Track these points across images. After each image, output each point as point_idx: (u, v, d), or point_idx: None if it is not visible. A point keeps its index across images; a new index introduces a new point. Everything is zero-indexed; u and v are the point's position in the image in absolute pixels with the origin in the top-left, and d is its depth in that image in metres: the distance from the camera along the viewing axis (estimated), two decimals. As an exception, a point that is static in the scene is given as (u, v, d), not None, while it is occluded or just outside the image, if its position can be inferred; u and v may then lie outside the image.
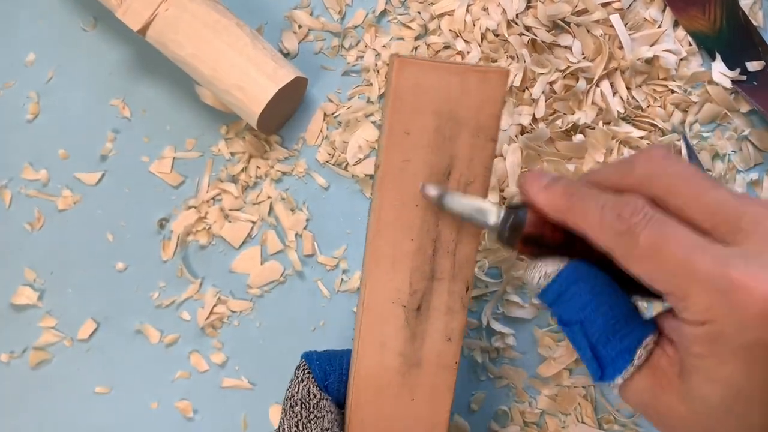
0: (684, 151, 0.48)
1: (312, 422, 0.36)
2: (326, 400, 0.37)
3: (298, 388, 0.37)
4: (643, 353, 0.29)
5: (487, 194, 0.33)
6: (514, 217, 0.31)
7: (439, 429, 0.35)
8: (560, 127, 0.48)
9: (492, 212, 0.32)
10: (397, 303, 0.34)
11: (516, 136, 0.48)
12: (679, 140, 0.48)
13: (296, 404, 0.37)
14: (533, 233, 0.31)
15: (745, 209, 0.27)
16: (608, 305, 0.30)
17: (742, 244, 0.27)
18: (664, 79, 0.49)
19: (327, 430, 0.36)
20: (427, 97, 0.32)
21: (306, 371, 0.37)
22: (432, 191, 0.32)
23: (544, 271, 0.31)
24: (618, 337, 0.30)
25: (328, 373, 0.37)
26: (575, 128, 0.48)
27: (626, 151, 0.48)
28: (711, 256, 0.27)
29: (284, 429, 0.36)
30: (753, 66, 0.49)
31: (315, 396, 0.37)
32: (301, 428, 0.36)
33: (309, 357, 0.38)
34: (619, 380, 0.29)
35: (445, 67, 0.31)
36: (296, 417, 0.36)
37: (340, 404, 0.37)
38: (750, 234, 0.27)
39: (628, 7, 0.50)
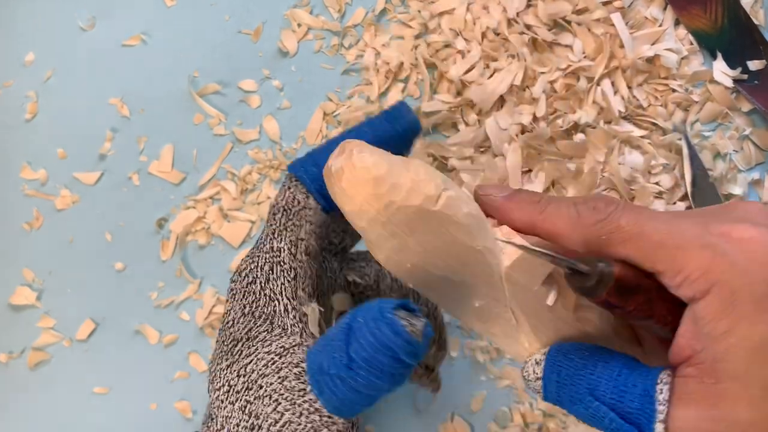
0: (685, 151, 0.48)
1: (288, 230, 0.34)
2: (310, 209, 0.34)
3: (284, 195, 0.34)
4: (663, 388, 0.27)
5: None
6: (600, 264, 0.28)
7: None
8: (561, 127, 0.47)
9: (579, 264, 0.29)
10: None
11: (516, 135, 0.47)
12: (680, 139, 0.48)
13: (278, 212, 0.34)
14: (625, 279, 0.28)
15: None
16: (604, 362, 0.29)
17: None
18: (665, 78, 0.49)
19: (302, 240, 0.34)
20: None
21: (293, 179, 0.34)
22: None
23: (534, 359, 0.31)
24: (630, 386, 0.27)
25: (317, 177, 0.33)
26: (576, 127, 0.48)
27: (627, 151, 0.48)
28: (692, 220, 0.26)
29: (259, 242, 0.34)
30: (754, 65, 0.49)
31: (299, 203, 0.34)
32: (275, 236, 0.34)
33: (293, 166, 0.35)
34: (660, 427, 0.26)
35: None
36: (274, 225, 0.34)
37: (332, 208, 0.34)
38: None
39: (629, 6, 0.49)
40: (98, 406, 0.48)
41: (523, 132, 0.48)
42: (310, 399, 0.30)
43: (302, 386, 0.31)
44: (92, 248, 0.49)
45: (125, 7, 0.51)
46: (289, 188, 0.34)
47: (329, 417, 0.31)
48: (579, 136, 0.47)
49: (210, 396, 0.34)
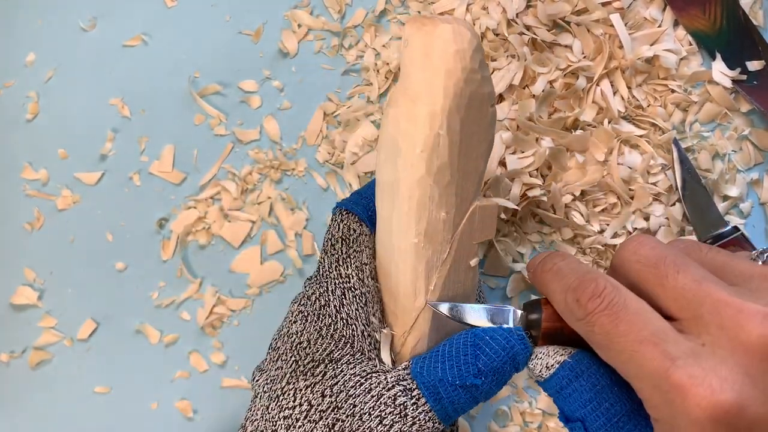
0: (675, 155, 0.48)
1: (351, 257, 0.36)
2: (365, 235, 0.36)
3: (339, 228, 0.37)
4: None
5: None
6: (529, 317, 0.32)
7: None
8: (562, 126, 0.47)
9: (509, 316, 0.33)
10: None
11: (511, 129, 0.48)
12: (680, 139, 0.48)
13: (337, 242, 0.36)
14: (551, 328, 0.32)
15: (705, 297, 0.27)
16: (610, 402, 0.30)
17: (700, 334, 0.27)
18: (665, 78, 0.49)
19: (366, 264, 0.36)
20: None
21: (344, 212, 0.37)
22: (443, 308, 0.33)
23: (545, 362, 0.32)
24: None
25: (367, 207, 0.37)
26: (576, 125, 0.48)
27: (627, 150, 0.48)
28: (660, 352, 0.27)
29: (324, 270, 0.36)
30: (753, 65, 0.49)
31: (355, 231, 0.36)
32: (341, 263, 0.36)
33: (341, 203, 0.38)
34: None
35: None
36: (337, 254, 0.36)
37: None
38: (708, 324, 0.27)
39: (629, 7, 0.49)
40: (99, 405, 0.48)
41: (518, 128, 0.48)
42: (423, 410, 0.32)
43: (405, 400, 0.32)
44: (93, 248, 0.49)
45: (126, 7, 0.51)
46: (342, 220, 0.37)
47: (440, 423, 0.33)
48: (579, 132, 0.47)
49: (269, 412, 0.34)
